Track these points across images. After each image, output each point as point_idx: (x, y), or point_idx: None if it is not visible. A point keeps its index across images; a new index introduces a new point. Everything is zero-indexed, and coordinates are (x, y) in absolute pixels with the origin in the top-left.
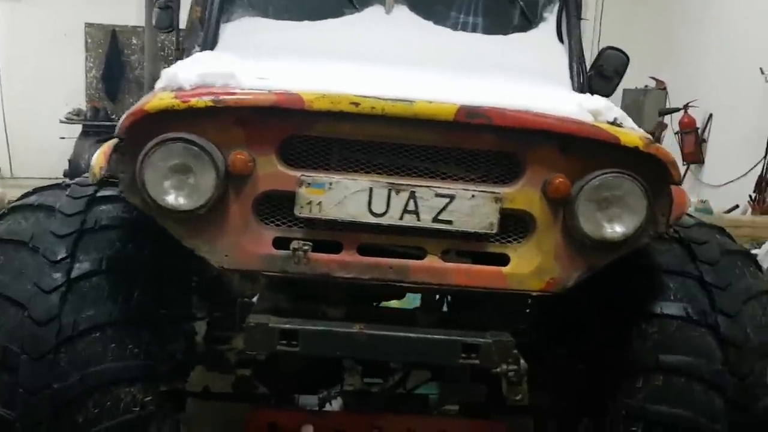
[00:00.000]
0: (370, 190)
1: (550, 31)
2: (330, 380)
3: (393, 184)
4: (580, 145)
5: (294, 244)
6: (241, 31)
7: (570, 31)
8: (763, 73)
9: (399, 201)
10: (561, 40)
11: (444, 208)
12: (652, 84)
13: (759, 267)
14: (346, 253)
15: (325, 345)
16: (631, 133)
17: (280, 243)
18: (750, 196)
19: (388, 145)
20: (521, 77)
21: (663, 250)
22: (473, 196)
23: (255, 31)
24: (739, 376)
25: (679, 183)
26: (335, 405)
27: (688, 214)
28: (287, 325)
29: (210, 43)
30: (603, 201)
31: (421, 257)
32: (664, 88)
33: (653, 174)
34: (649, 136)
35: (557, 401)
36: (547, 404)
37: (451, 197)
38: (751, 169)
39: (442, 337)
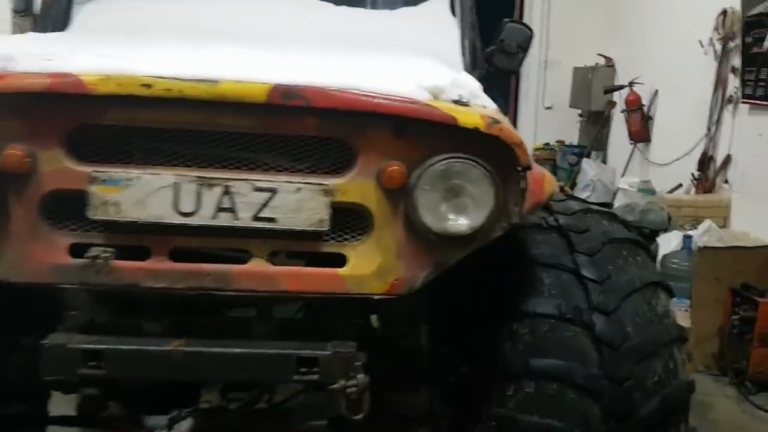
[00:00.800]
0: (176, 185)
1: (443, 5)
2: (186, 397)
3: (203, 178)
4: (415, 128)
5: (92, 251)
6: (97, 12)
7: (462, 3)
8: (702, 46)
9: (211, 197)
10: (455, 13)
11: (265, 204)
12: (603, 62)
13: (651, 256)
14: (155, 259)
15: (135, 366)
16: (472, 113)
17: (78, 251)
18: (693, 175)
19: (196, 134)
20: (387, 54)
21: (540, 240)
22: (299, 189)
23: (111, 11)
24: (617, 381)
25: (527, 167)
26: (185, 426)
27: (576, 198)
28: (90, 345)
29: (60, 25)
30: (445, 190)
31: (245, 261)
32: (612, 65)
33: (500, 158)
34: (497, 115)
35: (442, 408)
36: (439, 412)
37: (273, 191)
38: (695, 147)
39: (274, 351)
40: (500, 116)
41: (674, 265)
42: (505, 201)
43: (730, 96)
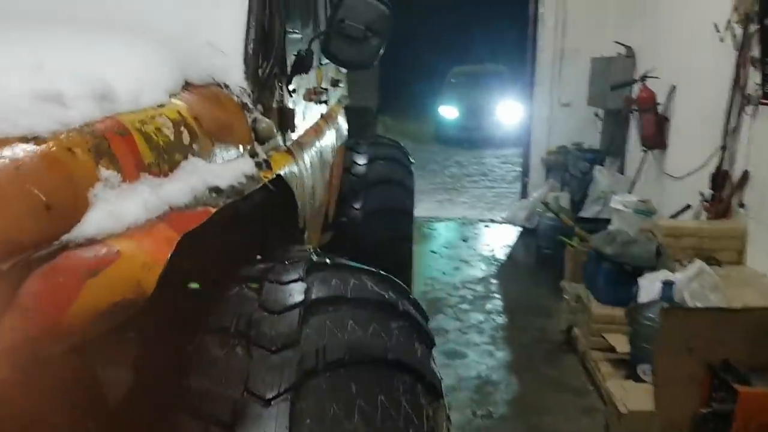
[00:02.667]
0: None
1: None
2: None
3: None
4: None
5: None
6: None
7: None
8: (718, 30)
9: None
10: None
11: None
12: (624, 51)
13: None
14: None
15: None
16: None
17: None
18: (701, 195)
19: None
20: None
21: None
22: None
23: None
24: None
25: None
26: None
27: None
28: None
29: None
30: None
31: None
32: (633, 56)
33: None
34: None
35: None
36: None
37: None
38: (710, 158)
39: None
40: None
41: (647, 322)
42: None
43: (749, 95)
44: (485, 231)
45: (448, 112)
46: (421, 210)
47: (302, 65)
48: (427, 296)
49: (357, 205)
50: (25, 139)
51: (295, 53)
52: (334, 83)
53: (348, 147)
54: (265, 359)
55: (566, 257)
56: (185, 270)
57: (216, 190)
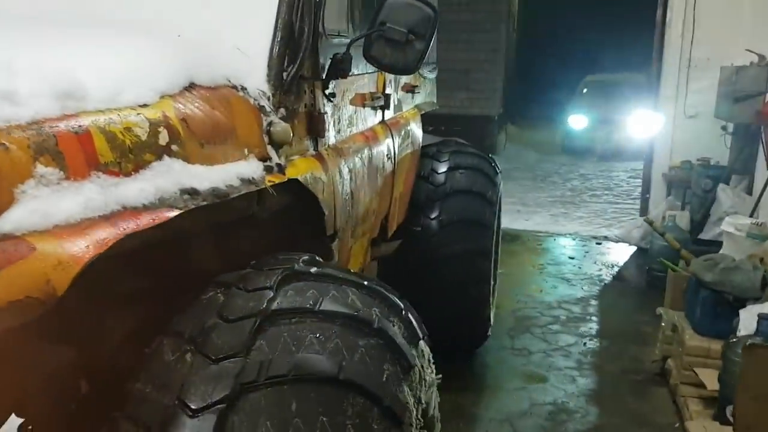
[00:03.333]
0: None
1: None
2: None
3: None
4: None
5: None
6: None
7: None
8: None
9: None
10: None
11: None
12: (756, 60)
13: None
14: None
15: None
16: None
17: None
18: None
19: None
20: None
21: None
22: None
23: None
24: None
25: None
26: None
27: None
28: None
29: None
30: None
31: None
32: (765, 65)
33: None
34: None
35: None
36: None
37: None
38: None
39: None
40: None
41: (737, 359)
42: None
43: None
44: (596, 249)
45: (578, 122)
46: (531, 224)
47: (339, 69)
48: (516, 314)
49: (432, 215)
50: None
51: (331, 57)
52: (409, 89)
53: (428, 155)
54: (204, 368)
55: (667, 282)
56: (174, 266)
57: (191, 192)
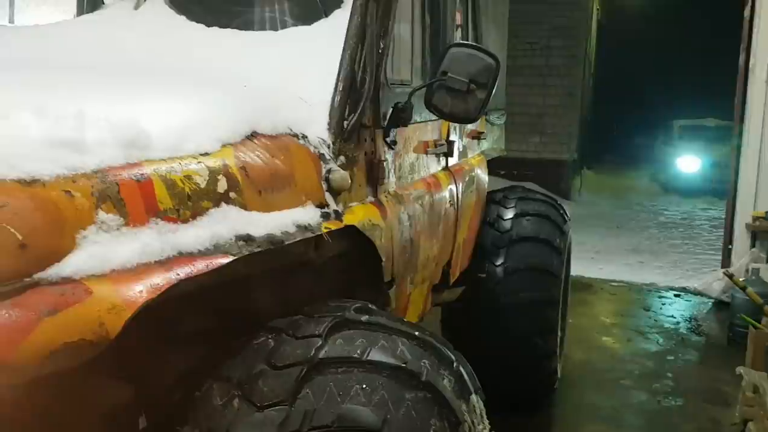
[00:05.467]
0: None
1: (344, 22)
2: None
3: None
4: None
5: None
6: None
7: (355, 16)
8: None
9: None
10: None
11: None
12: None
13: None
14: None
15: None
16: None
17: None
18: None
19: None
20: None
21: None
22: None
23: None
24: None
25: None
26: None
27: None
28: None
29: None
30: None
31: None
32: None
33: None
34: None
35: None
36: None
37: None
38: None
39: None
40: None
41: None
42: None
43: None
44: (673, 301)
45: (690, 163)
46: (605, 273)
47: (400, 118)
48: (586, 367)
49: (498, 262)
50: (19, 182)
51: (393, 106)
52: (475, 135)
53: (494, 200)
54: (249, 415)
55: (749, 339)
56: (231, 310)
57: (246, 238)
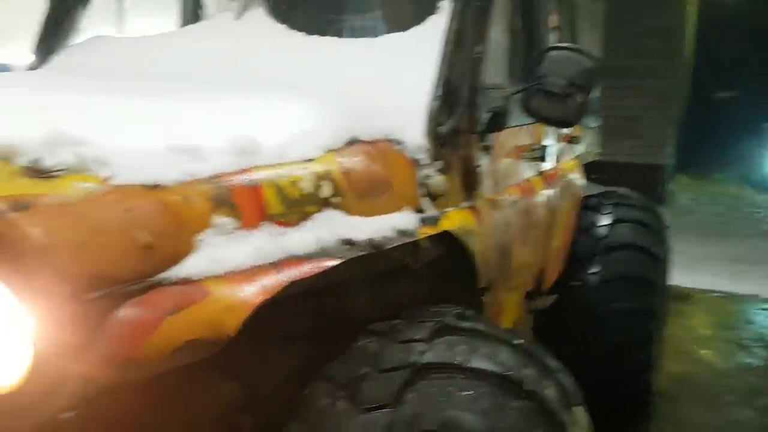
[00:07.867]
0: None
1: (439, 27)
2: None
3: None
4: None
5: None
6: (79, 51)
7: (452, 22)
8: None
9: None
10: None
11: None
12: None
13: None
14: None
15: None
16: None
17: None
18: None
19: None
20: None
21: None
22: None
23: (87, 51)
24: None
25: None
26: None
27: None
28: None
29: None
30: None
31: None
32: None
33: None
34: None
35: None
36: None
37: None
38: None
39: None
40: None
41: None
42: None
43: None
44: None
45: None
46: (705, 282)
47: (496, 123)
48: (683, 380)
49: (593, 270)
50: (145, 186)
51: (489, 110)
52: (570, 139)
53: (589, 206)
54: (354, 417)
55: None
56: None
57: (349, 242)
